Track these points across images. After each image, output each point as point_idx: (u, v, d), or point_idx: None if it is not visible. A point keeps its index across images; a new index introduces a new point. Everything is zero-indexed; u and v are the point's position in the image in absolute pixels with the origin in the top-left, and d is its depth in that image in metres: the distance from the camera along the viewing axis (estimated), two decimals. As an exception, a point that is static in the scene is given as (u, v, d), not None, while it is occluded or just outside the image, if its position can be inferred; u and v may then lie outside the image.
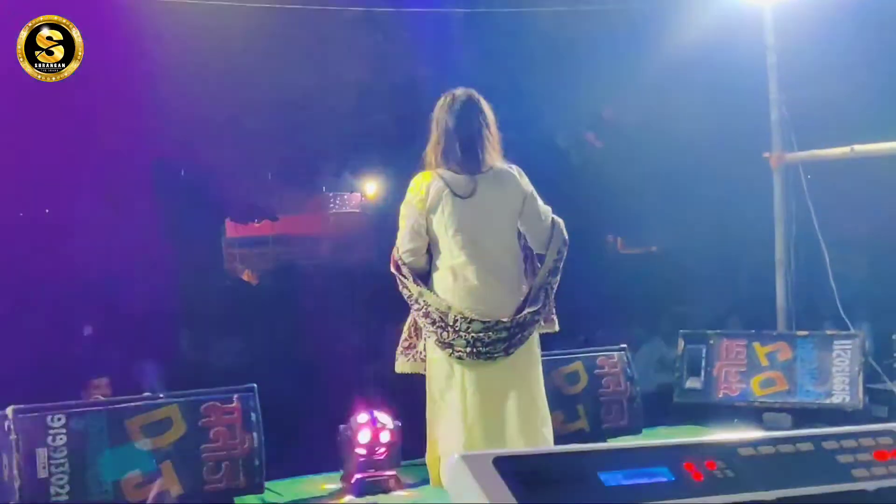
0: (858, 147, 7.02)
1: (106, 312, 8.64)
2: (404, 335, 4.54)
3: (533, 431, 4.31)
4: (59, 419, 4.90)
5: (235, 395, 5.33)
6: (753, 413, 6.94)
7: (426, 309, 4.31)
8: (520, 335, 4.32)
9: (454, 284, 4.30)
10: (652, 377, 8.44)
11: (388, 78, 9.02)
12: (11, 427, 4.81)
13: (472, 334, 4.22)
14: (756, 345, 7.04)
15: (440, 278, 4.35)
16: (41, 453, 4.83)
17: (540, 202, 4.46)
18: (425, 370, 4.47)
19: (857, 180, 7.85)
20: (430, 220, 4.34)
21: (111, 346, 8.05)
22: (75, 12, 5.60)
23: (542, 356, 6.27)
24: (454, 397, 4.31)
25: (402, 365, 4.56)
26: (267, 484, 5.37)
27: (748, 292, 8.49)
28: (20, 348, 7.19)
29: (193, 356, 8.21)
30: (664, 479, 1.53)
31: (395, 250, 4.44)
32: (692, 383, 7.17)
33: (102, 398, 5.67)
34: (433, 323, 4.29)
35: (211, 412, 5.25)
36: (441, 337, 4.27)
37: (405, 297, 4.44)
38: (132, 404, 5.15)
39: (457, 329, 4.23)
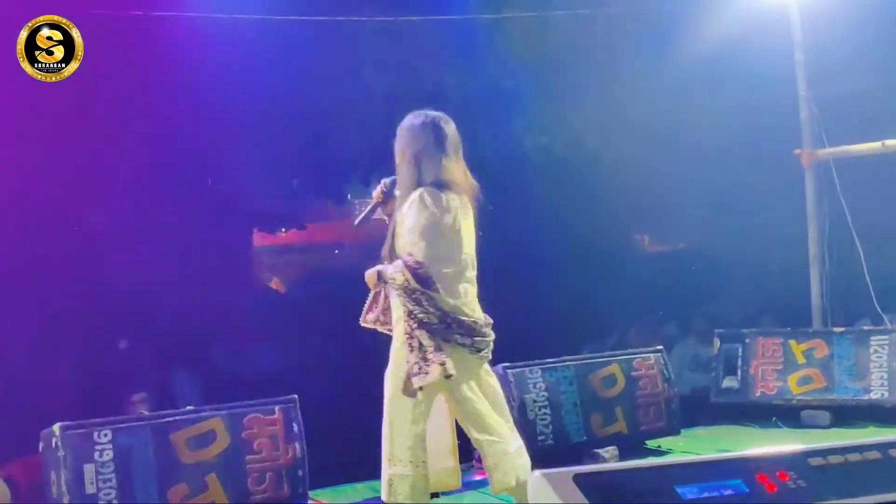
0: (889, 142, 7.00)
1: (139, 327, 8.70)
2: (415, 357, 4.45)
3: None
4: (106, 435, 4.94)
5: (277, 407, 5.37)
6: (791, 411, 6.91)
7: (459, 319, 4.45)
8: None
9: (465, 293, 4.54)
10: (686, 377, 8.42)
11: (414, 86, 9.06)
12: (59, 444, 4.86)
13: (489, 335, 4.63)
14: (792, 342, 7.01)
15: (458, 288, 4.51)
16: (89, 469, 4.87)
17: None
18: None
19: (889, 175, 7.82)
20: (452, 234, 4.48)
21: (147, 360, 8.12)
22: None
23: (578, 359, 6.39)
24: (479, 395, 4.58)
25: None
26: (311, 493, 5.41)
27: (781, 289, 8.46)
28: (59, 366, 7.27)
29: (230, 367, 8.26)
30: (739, 491, 1.56)
31: (417, 265, 4.38)
32: (729, 382, 7.14)
33: (146, 413, 5.71)
34: (465, 332, 4.48)
35: (254, 424, 5.28)
36: (475, 343, 4.53)
37: (428, 311, 4.38)
38: (176, 418, 5.20)
39: (483, 333, 4.56)
